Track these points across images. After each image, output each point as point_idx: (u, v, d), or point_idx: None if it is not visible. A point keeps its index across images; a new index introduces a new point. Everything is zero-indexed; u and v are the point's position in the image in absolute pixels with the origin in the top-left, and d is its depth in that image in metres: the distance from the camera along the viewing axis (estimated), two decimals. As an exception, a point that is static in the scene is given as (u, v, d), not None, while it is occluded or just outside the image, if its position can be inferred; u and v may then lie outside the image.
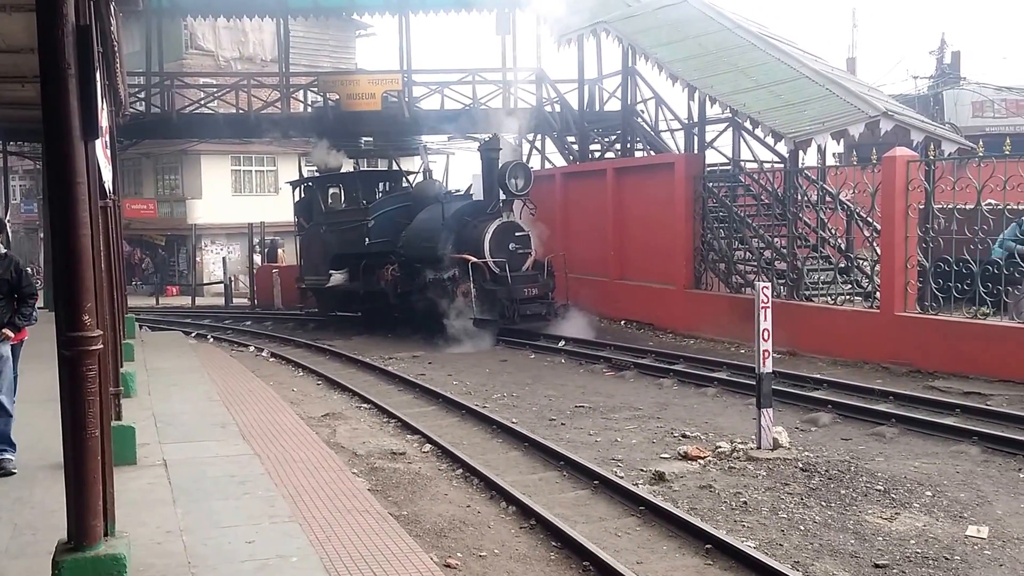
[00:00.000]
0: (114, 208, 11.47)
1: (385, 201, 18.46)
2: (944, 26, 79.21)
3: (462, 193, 17.36)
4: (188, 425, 7.98)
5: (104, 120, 6.68)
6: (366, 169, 23.10)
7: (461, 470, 7.58)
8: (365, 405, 10.69)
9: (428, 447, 8.39)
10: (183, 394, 9.65)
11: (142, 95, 21.77)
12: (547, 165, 21.85)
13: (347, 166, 21.69)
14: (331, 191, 20.08)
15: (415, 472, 7.52)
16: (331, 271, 18.76)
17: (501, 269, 15.31)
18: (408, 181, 19.98)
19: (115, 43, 9.44)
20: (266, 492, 6.07)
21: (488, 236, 15.51)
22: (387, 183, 19.97)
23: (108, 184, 7.77)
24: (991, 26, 67.85)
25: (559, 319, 15.78)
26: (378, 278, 17.57)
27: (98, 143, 5.17)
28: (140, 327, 19.75)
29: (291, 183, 22.10)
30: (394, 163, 21.43)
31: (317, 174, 21.12)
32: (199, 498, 5.96)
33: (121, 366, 8.93)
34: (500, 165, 15.85)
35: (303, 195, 21.12)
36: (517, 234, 15.90)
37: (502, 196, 15.85)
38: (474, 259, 15.29)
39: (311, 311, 23.30)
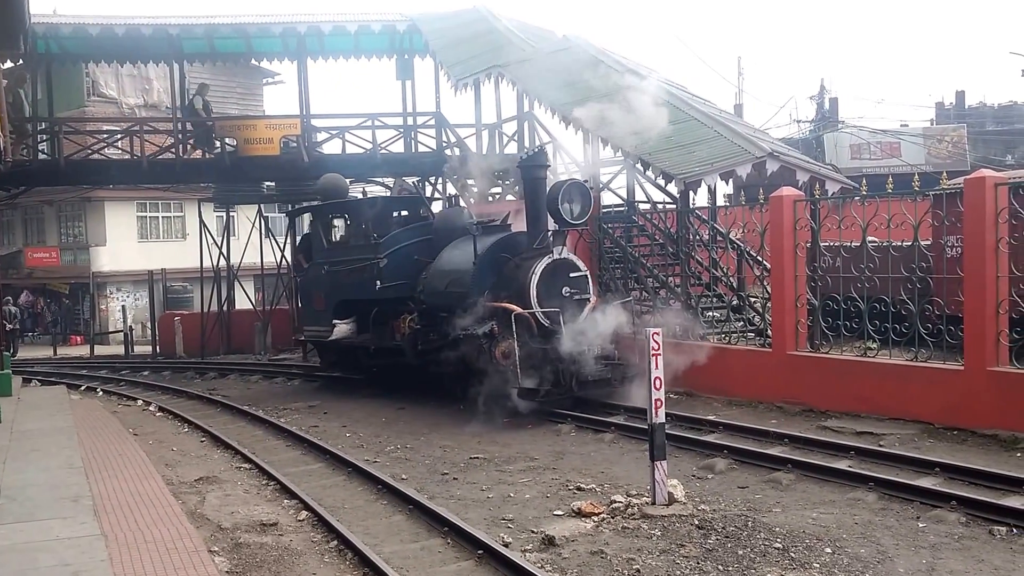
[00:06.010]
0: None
1: (401, 235, 14.86)
2: (824, 72, 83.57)
3: (498, 223, 13.89)
4: (35, 500, 7.27)
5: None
6: (377, 195, 19.03)
7: (336, 541, 7.07)
8: (246, 465, 10.13)
9: (305, 514, 7.87)
10: (42, 462, 8.91)
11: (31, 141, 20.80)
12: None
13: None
14: (335, 222, 16.79)
15: (284, 547, 6.96)
16: (335, 321, 15.48)
17: (553, 321, 12.03)
18: (430, 209, 16.30)
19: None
20: (102, 585, 5.48)
21: (535, 278, 12.03)
22: (403, 212, 16.49)
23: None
24: (868, 71, 71.71)
25: (629, 384, 12.10)
26: (393, 330, 14.30)
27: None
28: (29, 381, 18.73)
29: (287, 213, 19.30)
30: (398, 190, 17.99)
31: (318, 201, 17.85)
32: (19, 598, 5.32)
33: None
34: (550, 186, 12.52)
35: (304, 228, 18.03)
36: (572, 275, 12.34)
37: (552, 226, 12.58)
38: (517, 309, 11.84)
39: (213, 358, 22.46)
